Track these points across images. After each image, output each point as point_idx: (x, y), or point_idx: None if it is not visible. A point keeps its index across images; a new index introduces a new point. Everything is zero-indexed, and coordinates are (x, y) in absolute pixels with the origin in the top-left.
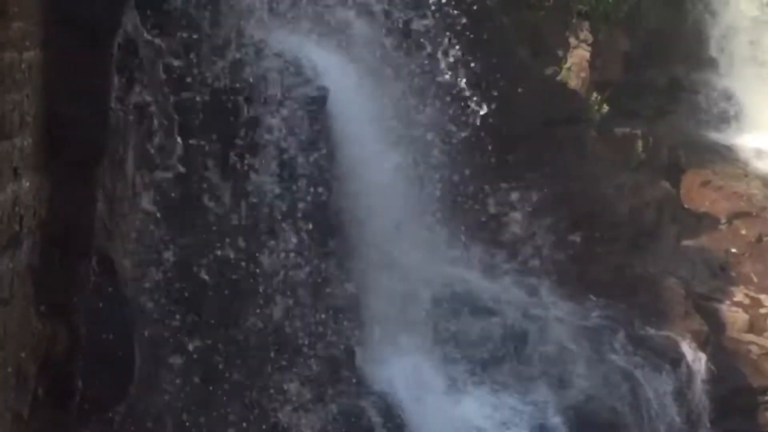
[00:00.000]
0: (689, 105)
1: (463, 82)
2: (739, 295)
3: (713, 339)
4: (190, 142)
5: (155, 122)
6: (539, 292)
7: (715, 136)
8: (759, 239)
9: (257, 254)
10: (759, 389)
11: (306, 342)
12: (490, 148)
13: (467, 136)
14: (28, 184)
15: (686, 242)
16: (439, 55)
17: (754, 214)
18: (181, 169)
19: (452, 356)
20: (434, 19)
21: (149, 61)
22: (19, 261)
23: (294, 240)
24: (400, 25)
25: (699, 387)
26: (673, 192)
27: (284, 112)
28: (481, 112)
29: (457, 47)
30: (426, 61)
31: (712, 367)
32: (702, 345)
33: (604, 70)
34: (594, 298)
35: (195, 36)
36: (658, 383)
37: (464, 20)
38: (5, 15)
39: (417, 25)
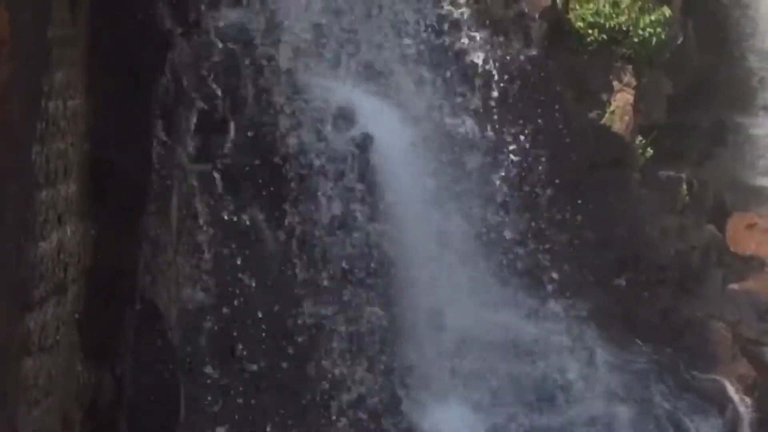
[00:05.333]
0: (734, 148)
1: (507, 127)
2: None
3: (760, 383)
4: (235, 188)
5: (198, 168)
6: (584, 336)
7: (759, 178)
8: None
9: (302, 301)
10: None
11: (351, 389)
12: (534, 191)
13: (511, 180)
14: (72, 231)
15: (732, 285)
16: (484, 99)
17: None
18: (227, 217)
19: (497, 401)
20: (479, 64)
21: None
22: (64, 308)
23: (338, 288)
24: (447, 72)
25: (745, 431)
26: (718, 235)
27: (328, 158)
28: (526, 156)
29: (502, 91)
30: (471, 105)
31: (759, 411)
32: (749, 389)
33: (648, 114)
34: (640, 342)
35: (239, 81)
36: (705, 427)
37: (508, 65)
38: (49, 63)
39: (462, 69)
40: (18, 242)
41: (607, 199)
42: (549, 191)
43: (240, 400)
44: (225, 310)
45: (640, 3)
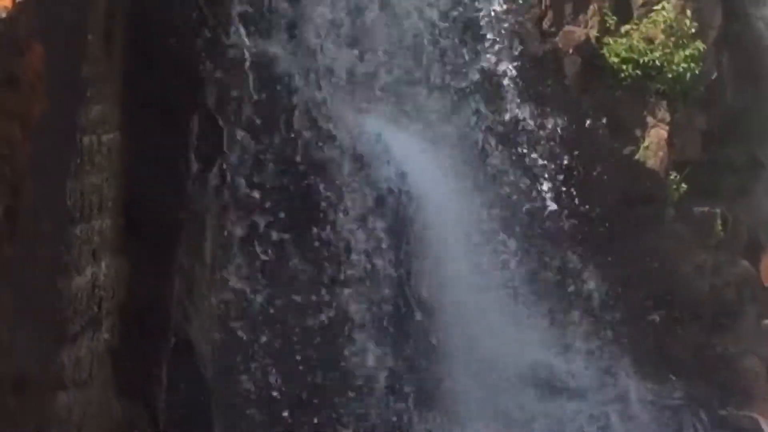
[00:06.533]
0: None
1: (541, 162)
2: None
3: None
4: (268, 224)
5: (233, 205)
6: (619, 372)
7: None
8: None
9: (339, 341)
10: None
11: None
12: (568, 227)
13: (546, 215)
14: (107, 266)
15: (767, 321)
16: (517, 133)
17: None
18: (260, 251)
19: None
20: (514, 99)
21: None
22: (99, 343)
23: (374, 329)
24: (481, 105)
25: None
26: (753, 271)
27: (361, 196)
28: (559, 191)
29: (535, 126)
30: (505, 139)
31: None
32: None
33: (683, 149)
34: (674, 378)
35: (272, 114)
36: None
37: (543, 100)
38: (83, 99)
39: (497, 103)
40: (53, 277)
41: (641, 235)
42: (583, 227)
43: None
44: (257, 346)
45: (674, 38)
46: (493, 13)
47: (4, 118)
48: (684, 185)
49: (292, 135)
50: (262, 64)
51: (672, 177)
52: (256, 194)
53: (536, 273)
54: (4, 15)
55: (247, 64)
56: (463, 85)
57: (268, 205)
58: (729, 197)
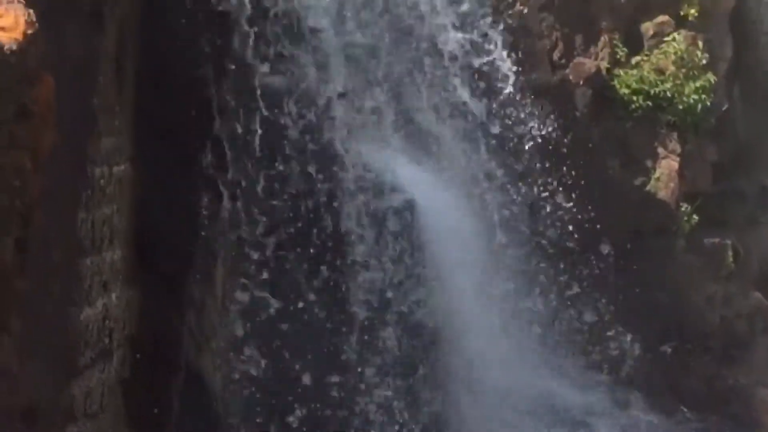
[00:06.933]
0: None
1: (552, 193)
2: None
3: None
4: (279, 254)
5: (244, 236)
6: (630, 404)
7: None
8: None
9: (346, 371)
10: None
11: None
12: (579, 258)
13: (555, 246)
14: (117, 297)
15: None
16: (528, 165)
17: None
18: (270, 283)
19: None
20: (526, 131)
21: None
22: (109, 374)
23: (384, 359)
24: (492, 139)
25: None
26: (764, 302)
27: (371, 224)
28: (570, 222)
29: (547, 158)
30: (515, 171)
31: None
32: None
33: (694, 180)
34: (685, 410)
35: (281, 147)
36: None
37: (554, 132)
38: (94, 130)
39: (508, 136)
40: (63, 309)
41: (652, 266)
42: (593, 258)
43: None
44: (269, 377)
45: (684, 70)
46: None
47: (15, 150)
48: (695, 216)
49: (303, 165)
50: (273, 94)
51: (683, 208)
52: (268, 224)
53: (546, 303)
54: (14, 47)
55: (258, 93)
56: (472, 114)
57: (279, 235)
58: (740, 228)
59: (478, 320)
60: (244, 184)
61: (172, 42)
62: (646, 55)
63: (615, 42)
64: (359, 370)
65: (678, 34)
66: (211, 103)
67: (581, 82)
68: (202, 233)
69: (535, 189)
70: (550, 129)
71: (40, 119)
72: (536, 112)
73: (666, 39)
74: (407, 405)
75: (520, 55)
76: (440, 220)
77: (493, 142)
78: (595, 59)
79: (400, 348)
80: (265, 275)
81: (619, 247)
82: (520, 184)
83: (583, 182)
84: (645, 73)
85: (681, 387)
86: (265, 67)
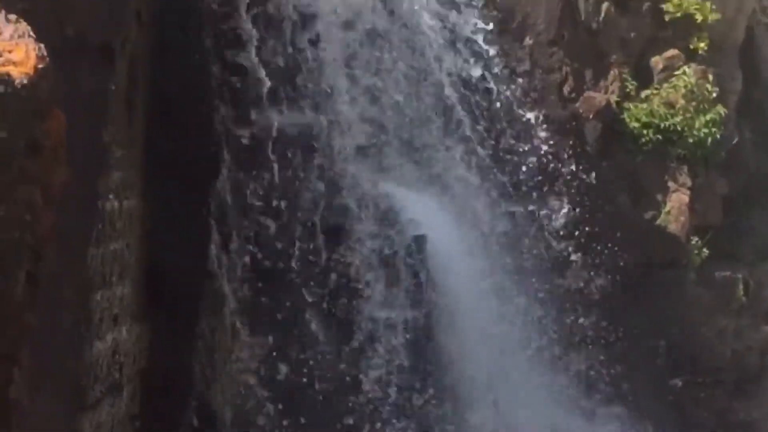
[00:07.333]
0: None
1: (562, 227)
2: None
3: None
4: (289, 288)
5: (254, 271)
6: None
7: None
8: None
9: (363, 413)
10: None
11: None
12: (589, 291)
13: (565, 279)
14: (127, 331)
15: None
16: (539, 198)
17: None
18: (279, 318)
19: None
20: (535, 164)
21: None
22: (119, 408)
23: (392, 389)
24: (502, 176)
25: None
26: None
27: (381, 259)
28: (581, 256)
29: (557, 193)
30: (526, 207)
31: None
32: None
33: (704, 214)
34: None
35: (293, 180)
36: None
37: (564, 166)
38: (105, 165)
39: (518, 171)
40: (74, 343)
41: (662, 300)
42: (604, 291)
43: None
44: (279, 410)
45: (694, 103)
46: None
47: (26, 185)
48: (705, 250)
49: (316, 198)
50: (283, 130)
51: (693, 242)
52: (276, 259)
53: (556, 337)
54: (25, 81)
55: (267, 126)
56: (483, 149)
57: (289, 269)
58: (751, 262)
59: (486, 356)
60: (255, 217)
61: (182, 77)
62: (656, 89)
63: (625, 76)
64: (371, 407)
65: (688, 67)
66: (222, 139)
67: (591, 116)
68: (212, 268)
69: (544, 223)
70: (560, 163)
71: (52, 154)
72: (546, 146)
73: (676, 72)
74: None
75: (530, 91)
76: (450, 254)
77: (502, 176)
78: (605, 93)
79: (410, 377)
80: (275, 309)
81: (630, 281)
82: (530, 218)
83: (593, 216)
84: (655, 107)
85: (692, 421)
86: (278, 105)
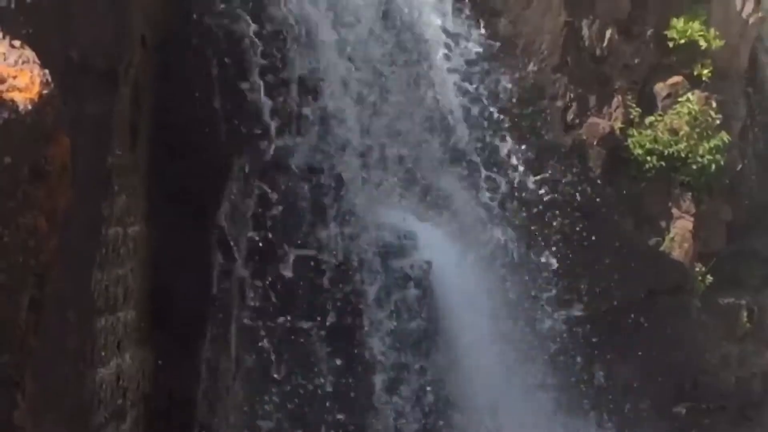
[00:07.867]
0: None
1: (565, 253)
2: None
3: None
4: (294, 315)
5: (256, 296)
6: None
7: None
8: None
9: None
10: None
11: None
12: (593, 318)
13: (569, 306)
14: (131, 357)
15: None
16: (543, 225)
17: None
18: (284, 340)
19: None
20: (538, 191)
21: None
22: None
23: (394, 414)
24: (505, 199)
25: None
26: None
27: (386, 285)
28: (584, 282)
29: (561, 219)
30: (529, 231)
31: None
32: None
33: (708, 240)
34: None
35: (296, 205)
36: None
37: (567, 192)
38: (109, 191)
39: (521, 199)
40: (77, 368)
41: (666, 326)
42: (608, 318)
43: None
44: None
45: (698, 130)
46: None
47: (30, 210)
48: (709, 276)
49: (319, 223)
50: (287, 155)
51: (697, 268)
52: (281, 286)
53: (560, 363)
54: (30, 106)
55: (272, 155)
56: (484, 176)
57: (294, 297)
58: (754, 288)
59: (488, 385)
60: (259, 245)
61: (186, 103)
62: (660, 116)
63: (629, 102)
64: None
65: (692, 94)
66: (225, 164)
67: (595, 143)
68: (216, 293)
69: (548, 249)
70: (564, 189)
71: (56, 179)
72: (550, 173)
73: (680, 99)
74: None
75: (533, 117)
76: (453, 283)
77: (508, 204)
78: (609, 119)
79: (416, 403)
80: (280, 335)
81: (634, 307)
82: (534, 244)
83: (596, 242)
84: (659, 133)
85: None
86: (281, 130)
